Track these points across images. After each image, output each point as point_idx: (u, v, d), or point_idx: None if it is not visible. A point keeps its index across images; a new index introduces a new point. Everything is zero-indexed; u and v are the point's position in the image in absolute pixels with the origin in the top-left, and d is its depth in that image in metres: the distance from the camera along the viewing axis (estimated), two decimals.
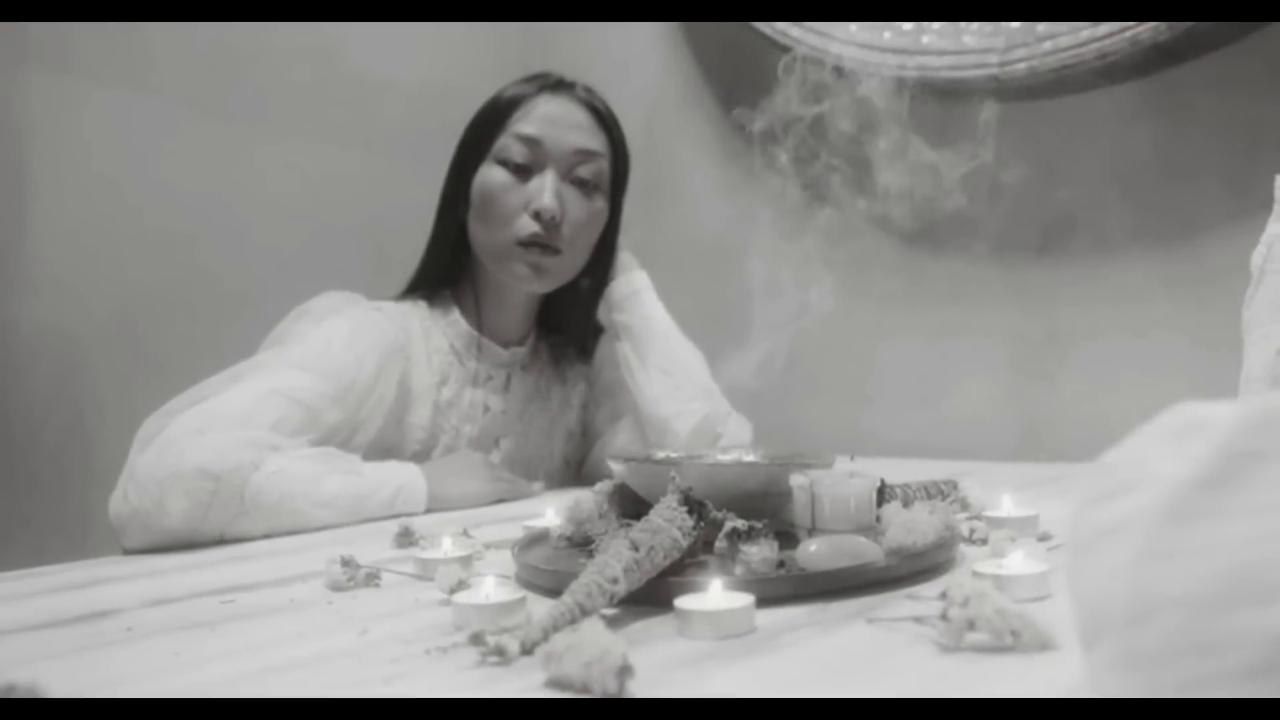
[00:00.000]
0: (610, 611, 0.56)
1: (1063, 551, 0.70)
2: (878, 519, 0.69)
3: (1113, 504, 0.34)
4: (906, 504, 0.74)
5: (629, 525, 0.65)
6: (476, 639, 0.50)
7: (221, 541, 0.90)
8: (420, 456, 1.14)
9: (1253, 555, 0.30)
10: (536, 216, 1.14)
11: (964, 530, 0.75)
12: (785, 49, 1.51)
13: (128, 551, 0.89)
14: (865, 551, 0.63)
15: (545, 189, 1.14)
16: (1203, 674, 0.30)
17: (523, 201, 1.15)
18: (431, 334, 1.19)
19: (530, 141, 1.15)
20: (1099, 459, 0.37)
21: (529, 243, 1.15)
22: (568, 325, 1.30)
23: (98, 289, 1.37)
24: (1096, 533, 0.34)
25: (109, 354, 1.37)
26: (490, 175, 1.16)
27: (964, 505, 0.83)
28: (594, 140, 1.18)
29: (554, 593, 0.57)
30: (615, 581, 0.54)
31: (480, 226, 1.18)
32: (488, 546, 0.80)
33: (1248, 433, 0.32)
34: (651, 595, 0.57)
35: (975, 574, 0.58)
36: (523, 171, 1.16)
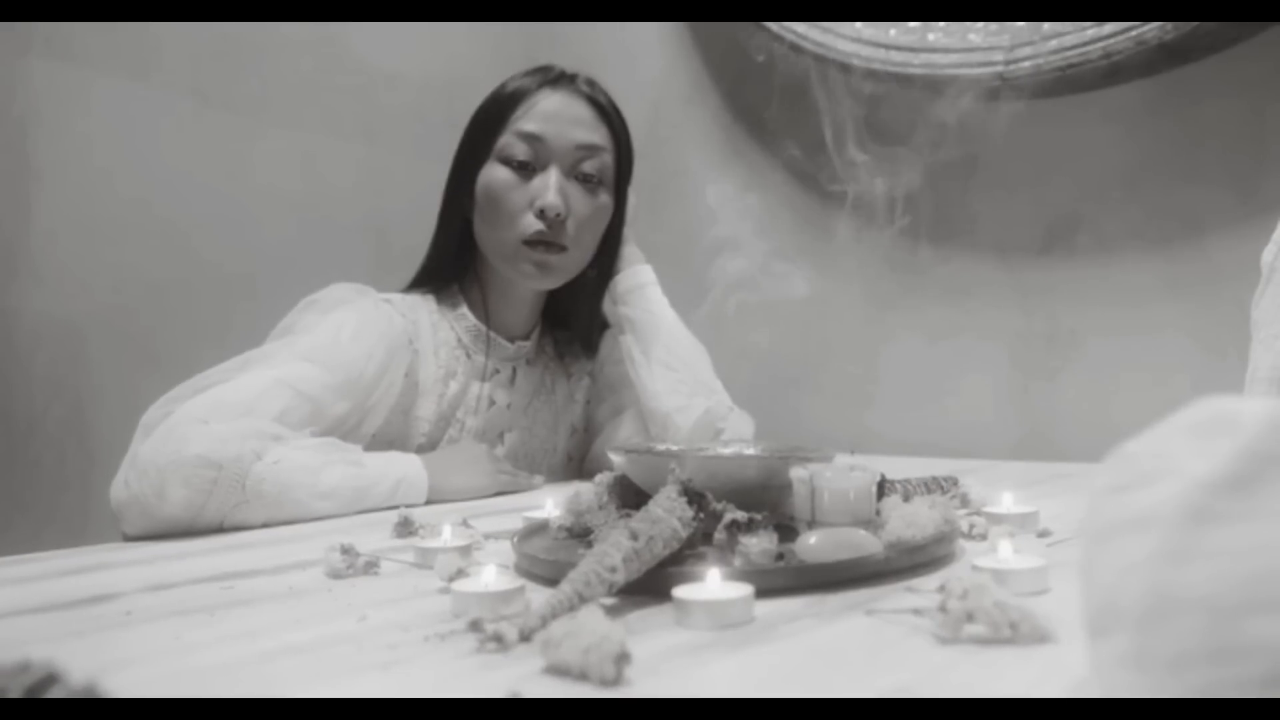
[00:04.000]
0: (609, 601, 0.56)
1: (1066, 545, 0.70)
2: (877, 513, 0.69)
3: (1132, 495, 0.33)
4: (906, 498, 0.74)
5: (628, 516, 0.65)
6: (475, 626, 0.50)
7: (221, 529, 0.90)
8: (425, 449, 1.14)
9: (1273, 561, 0.29)
10: (541, 214, 1.14)
11: (963, 526, 0.75)
12: (790, 45, 1.51)
13: (127, 538, 0.89)
14: (864, 544, 0.62)
15: (549, 186, 1.14)
16: (1216, 680, 0.29)
17: (527, 200, 1.15)
18: (440, 327, 1.19)
19: (532, 139, 1.15)
20: (1120, 448, 0.36)
21: (535, 241, 1.14)
22: (573, 319, 1.30)
23: (100, 278, 1.37)
24: (1114, 523, 0.34)
25: (111, 343, 1.37)
26: (493, 174, 1.16)
27: (964, 501, 0.84)
28: (596, 134, 1.18)
29: (553, 583, 0.57)
30: (614, 571, 0.54)
31: (485, 225, 1.18)
32: (487, 537, 0.80)
33: (1275, 434, 0.31)
34: (650, 585, 0.57)
35: (974, 568, 0.59)
36: (526, 169, 1.15)
